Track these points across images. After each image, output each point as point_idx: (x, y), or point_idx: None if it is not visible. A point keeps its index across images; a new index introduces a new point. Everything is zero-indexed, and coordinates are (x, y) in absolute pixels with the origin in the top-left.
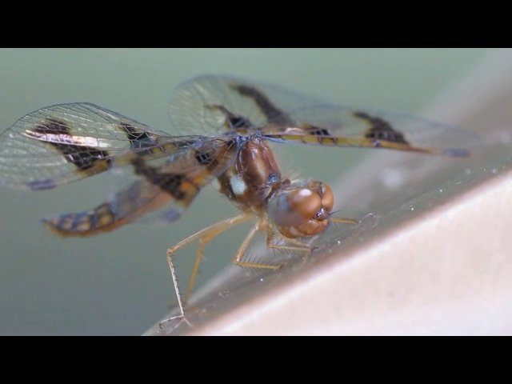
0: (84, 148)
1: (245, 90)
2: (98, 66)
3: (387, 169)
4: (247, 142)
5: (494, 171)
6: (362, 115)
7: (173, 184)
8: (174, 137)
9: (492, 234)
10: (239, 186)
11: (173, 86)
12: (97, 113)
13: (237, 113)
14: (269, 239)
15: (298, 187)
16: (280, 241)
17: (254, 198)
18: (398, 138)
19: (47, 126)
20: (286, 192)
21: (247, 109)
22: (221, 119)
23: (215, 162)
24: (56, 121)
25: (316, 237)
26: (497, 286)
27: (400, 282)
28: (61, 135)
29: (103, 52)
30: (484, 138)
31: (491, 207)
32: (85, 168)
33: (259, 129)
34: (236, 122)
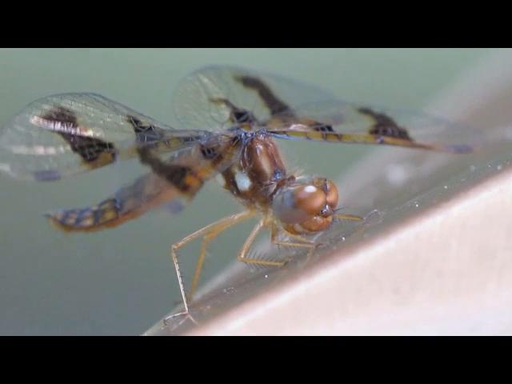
0: (90, 139)
1: (248, 81)
2: (102, 64)
3: (391, 165)
4: (252, 139)
5: (498, 167)
6: (365, 111)
7: (177, 176)
8: (180, 131)
9: (497, 231)
10: (244, 182)
11: (176, 80)
12: (104, 104)
13: (241, 106)
14: (273, 236)
15: (303, 184)
16: (284, 237)
17: (259, 194)
18: (401, 135)
19: (54, 114)
20: (291, 188)
21: (251, 101)
22: (225, 113)
23: (220, 157)
24: (63, 109)
25: (321, 233)
26: (502, 283)
27: (404, 278)
28: (67, 124)
29: (108, 51)
30: (488, 135)
31: (496, 204)
32: (90, 160)
33: (264, 125)
34: (240, 116)
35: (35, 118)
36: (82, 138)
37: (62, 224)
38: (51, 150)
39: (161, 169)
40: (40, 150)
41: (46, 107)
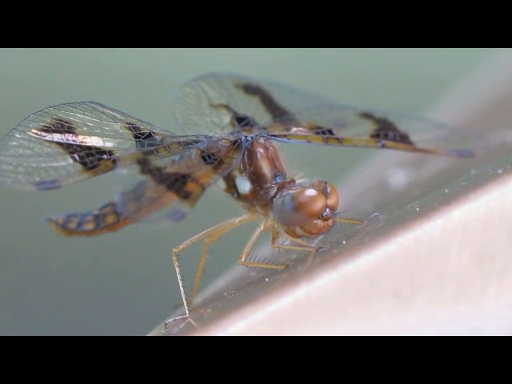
0: (90, 148)
1: (250, 89)
2: (102, 66)
3: (392, 169)
4: (252, 142)
5: (499, 171)
6: (367, 115)
7: (178, 184)
8: (180, 136)
9: (497, 235)
10: (244, 185)
11: (177, 85)
12: (102, 112)
13: (242, 112)
14: (274, 239)
15: (304, 187)
16: (285, 241)
17: (260, 197)
18: (403, 139)
19: (53, 126)
20: (292, 192)
21: (252, 108)
22: (226, 118)
23: (221, 162)
24: (62, 120)
25: (321, 237)
26: (502, 287)
27: (405, 282)
28: (66, 135)
29: (108, 52)
30: (489, 139)
31: (497, 208)
32: (90, 168)
33: (264, 128)
34: (241, 121)
35: (34, 130)
36: (81, 147)
37: (64, 228)
38: (51, 161)
39: (161, 177)
40: (40, 162)
41: (44, 119)
